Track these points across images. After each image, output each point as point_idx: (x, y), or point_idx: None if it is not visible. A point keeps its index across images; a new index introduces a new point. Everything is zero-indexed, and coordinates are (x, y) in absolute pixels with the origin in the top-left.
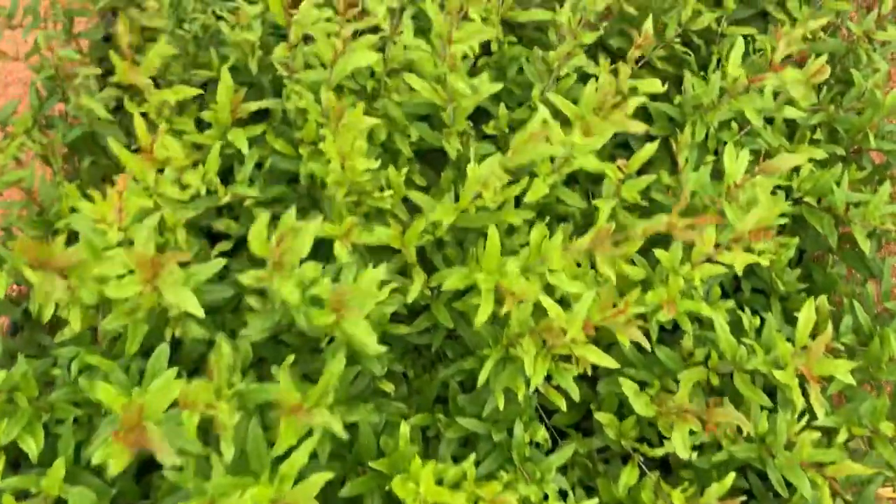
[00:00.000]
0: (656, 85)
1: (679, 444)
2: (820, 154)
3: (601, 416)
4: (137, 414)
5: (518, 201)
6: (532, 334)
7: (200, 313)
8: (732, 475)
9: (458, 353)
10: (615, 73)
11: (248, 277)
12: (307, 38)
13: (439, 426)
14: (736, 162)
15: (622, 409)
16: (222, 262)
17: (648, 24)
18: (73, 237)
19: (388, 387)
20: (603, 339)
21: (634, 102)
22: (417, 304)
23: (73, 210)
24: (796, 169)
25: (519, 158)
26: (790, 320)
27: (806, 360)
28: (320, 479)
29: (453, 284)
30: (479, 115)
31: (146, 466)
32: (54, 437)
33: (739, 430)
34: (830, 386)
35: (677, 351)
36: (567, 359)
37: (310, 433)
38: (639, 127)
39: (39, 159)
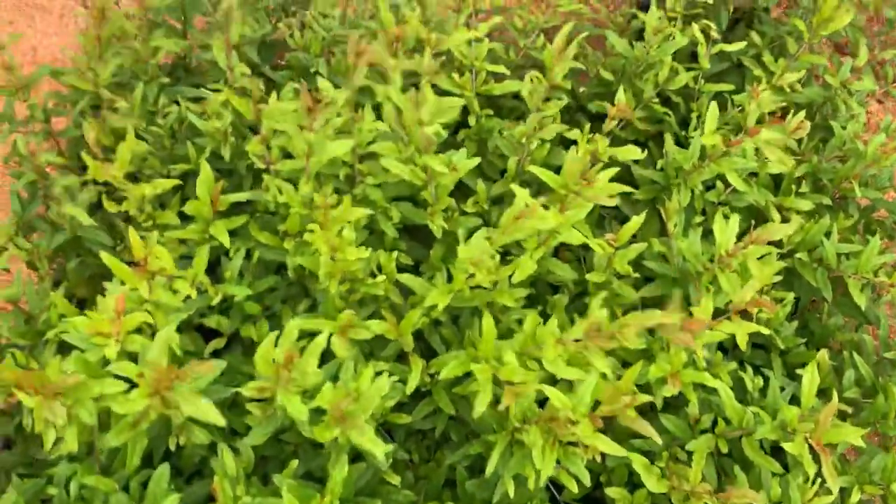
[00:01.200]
0: (634, 152)
1: None
2: (807, 205)
3: (612, 492)
4: None
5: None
6: (538, 423)
7: (221, 422)
8: None
9: (462, 435)
10: (593, 139)
11: (249, 390)
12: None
13: None
14: (726, 230)
15: (632, 479)
16: (222, 364)
17: (621, 95)
18: (63, 346)
19: (394, 478)
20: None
21: (609, 173)
22: (418, 388)
23: (63, 317)
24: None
25: (507, 237)
26: (792, 375)
27: (815, 430)
28: None
29: (452, 373)
30: (461, 189)
31: None
32: None
33: None
34: (839, 446)
35: (683, 418)
36: (575, 444)
37: None
38: (611, 201)
39: (25, 264)
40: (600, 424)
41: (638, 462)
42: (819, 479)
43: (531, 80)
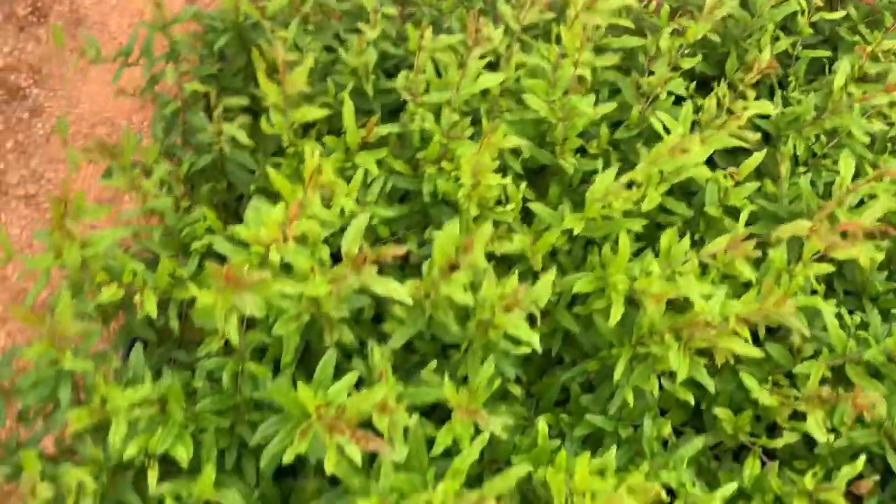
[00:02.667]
0: (767, 107)
1: (815, 428)
2: None
3: (720, 412)
4: (338, 414)
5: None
6: (670, 331)
7: (409, 300)
8: (863, 458)
9: (573, 357)
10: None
11: (408, 287)
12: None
13: (562, 426)
14: (850, 165)
15: (732, 406)
16: (405, 248)
17: (766, 53)
18: (205, 257)
19: (517, 390)
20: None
21: (747, 114)
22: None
23: (210, 230)
24: None
25: (654, 168)
26: (885, 318)
27: None
28: (518, 471)
29: (583, 288)
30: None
31: (282, 471)
32: (198, 446)
33: (858, 419)
34: None
35: (786, 346)
36: (702, 353)
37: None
38: (753, 136)
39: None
40: (744, 325)
41: (749, 380)
42: None
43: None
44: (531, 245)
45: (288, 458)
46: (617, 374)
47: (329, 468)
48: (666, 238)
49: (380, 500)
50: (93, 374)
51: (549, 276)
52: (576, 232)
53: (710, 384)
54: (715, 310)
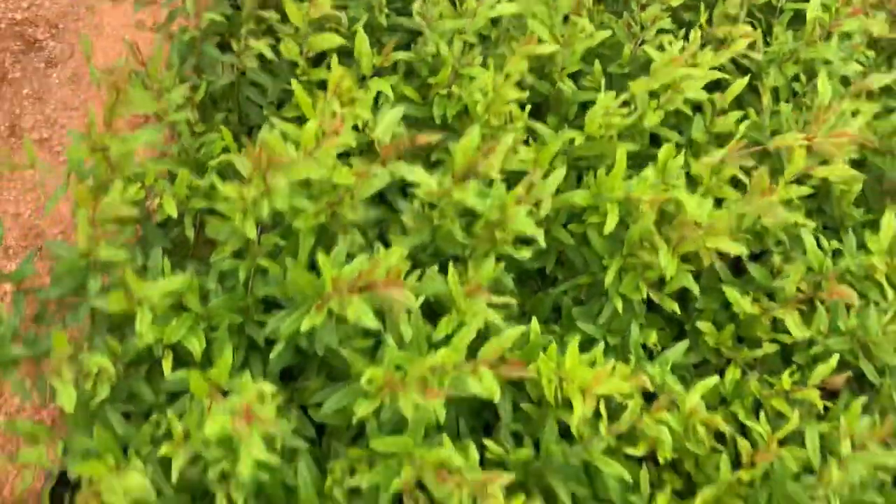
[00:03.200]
0: (755, 34)
1: (792, 326)
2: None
3: (703, 325)
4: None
5: None
6: (660, 235)
7: (433, 185)
8: (836, 356)
9: (567, 277)
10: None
11: (420, 192)
12: None
13: (553, 337)
14: (827, 87)
15: (715, 325)
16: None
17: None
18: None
19: (513, 301)
20: (693, 264)
21: (742, 44)
22: None
23: (226, 149)
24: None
25: (657, 80)
26: (860, 248)
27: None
28: (513, 333)
29: (580, 200)
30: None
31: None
32: (209, 344)
33: (832, 329)
34: None
35: (766, 267)
36: (687, 259)
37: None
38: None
39: None
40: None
41: (732, 294)
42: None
43: None
44: (535, 158)
45: (305, 327)
46: (607, 282)
47: (352, 317)
48: (663, 152)
49: (384, 372)
50: (122, 265)
51: (557, 175)
52: (577, 142)
53: (695, 287)
54: (704, 213)
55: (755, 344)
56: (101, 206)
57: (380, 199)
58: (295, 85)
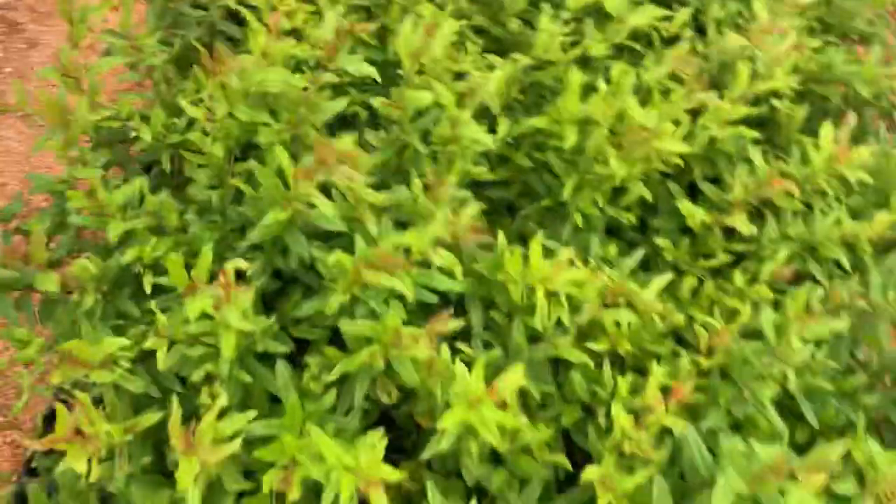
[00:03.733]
0: None
1: (740, 223)
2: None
3: (660, 241)
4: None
5: None
6: (611, 145)
7: (376, 74)
8: (785, 252)
9: (531, 201)
10: None
11: (379, 102)
12: None
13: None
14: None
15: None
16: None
17: None
18: None
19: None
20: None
21: None
22: (494, 159)
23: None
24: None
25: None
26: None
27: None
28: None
29: (539, 123)
30: None
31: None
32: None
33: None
34: None
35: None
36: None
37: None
38: None
39: None
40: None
41: (685, 206)
42: None
43: None
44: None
45: (271, 220)
46: (565, 195)
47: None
48: (616, 70)
49: (353, 261)
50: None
51: (497, 75)
52: (523, 63)
53: (647, 193)
54: (652, 119)
55: (710, 256)
56: (71, 123)
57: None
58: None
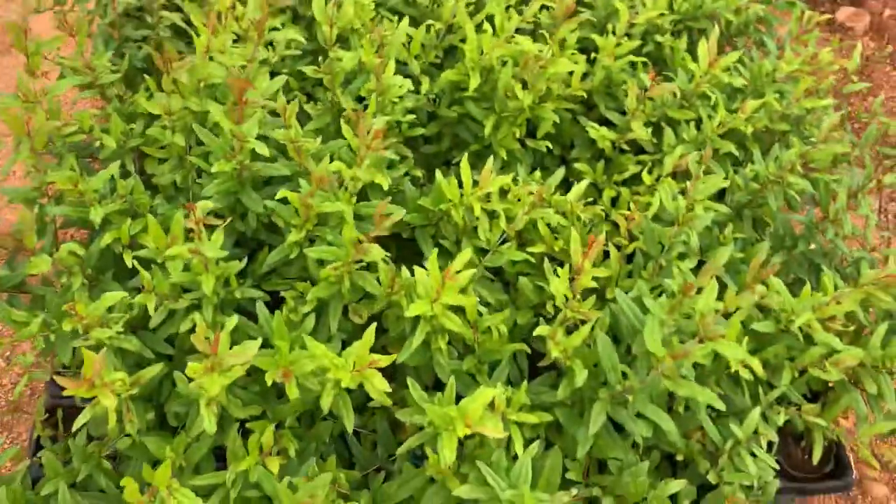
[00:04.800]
0: None
1: (638, 129)
2: None
3: (580, 166)
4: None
5: None
6: (517, 81)
7: (301, 37)
8: (680, 147)
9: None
10: None
11: (310, 70)
12: None
13: None
14: None
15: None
16: None
17: None
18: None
19: (418, 173)
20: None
21: None
22: (424, 117)
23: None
24: None
25: None
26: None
27: None
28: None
29: (453, 76)
30: None
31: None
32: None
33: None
34: None
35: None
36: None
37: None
38: None
39: None
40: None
41: (594, 130)
42: None
43: None
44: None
45: (225, 168)
46: (486, 132)
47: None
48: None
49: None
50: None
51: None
52: (438, 28)
53: (555, 117)
54: (545, 51)
55: (623, 171)
56: (33, 130)
57: None
58: (190, 8)
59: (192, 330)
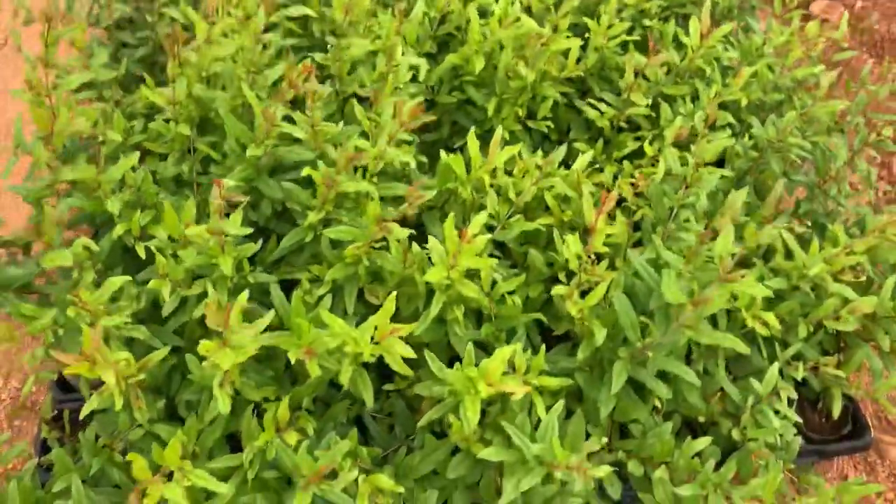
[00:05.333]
0: None
1: (637, 98)
2: None
3: (578, 145)
4: None
5: None
6: (520, 59)
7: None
8: (679, 118)
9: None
10: None
11: (319, 57)
12: None
13: None
14: None
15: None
16: None
17: None
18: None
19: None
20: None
21: None
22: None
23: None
24: None
25: None
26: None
27: None
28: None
29: (455, 59)
30: None
31: None
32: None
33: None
34: None
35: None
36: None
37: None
38: None
39: None
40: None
41: (588, 109)
42: None
43: None
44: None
45: (256, 153)
46: (489, 112)
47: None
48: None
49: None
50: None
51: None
52: (433, 17)
53: (557, 95)
54: (545, 29)
55: (623, 147)
56: (55, 126)
57: None
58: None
59: (204, 318)
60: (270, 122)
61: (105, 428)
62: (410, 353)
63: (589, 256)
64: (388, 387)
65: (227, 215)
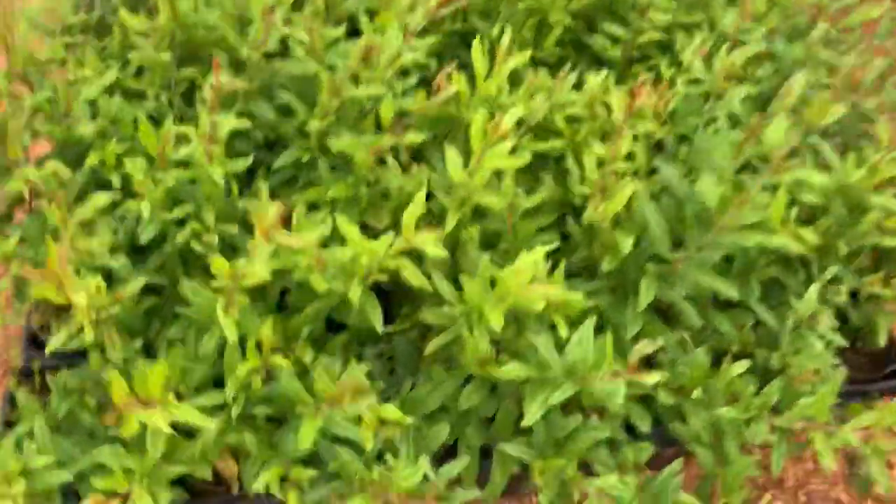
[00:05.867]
0: None
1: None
2: None
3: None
4: None
5: None
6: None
7: None
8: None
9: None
10: None
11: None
12: None
13: None
14: None
15: None
16: None
17: None
18: None
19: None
20: None
21: None
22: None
23: None
24: None
25: None
26: None
27: None
28: None
29: None
30: None
31: None
32: None
33: None
34: None
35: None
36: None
37: None
38: None
39: None
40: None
41: (596, 41)
42: None
43: None
44: None
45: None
46: (494, 35)
47: None
48: None
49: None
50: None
51: None
52: None
53: (567, 19)
54: None
55: (636, 78)
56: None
57: None
58: None
59: (188, 250)
60: (269, 25)
61: (75, 379)
62: (443, 253)
63: (615, 158)
64: (386, 329)
65: None
